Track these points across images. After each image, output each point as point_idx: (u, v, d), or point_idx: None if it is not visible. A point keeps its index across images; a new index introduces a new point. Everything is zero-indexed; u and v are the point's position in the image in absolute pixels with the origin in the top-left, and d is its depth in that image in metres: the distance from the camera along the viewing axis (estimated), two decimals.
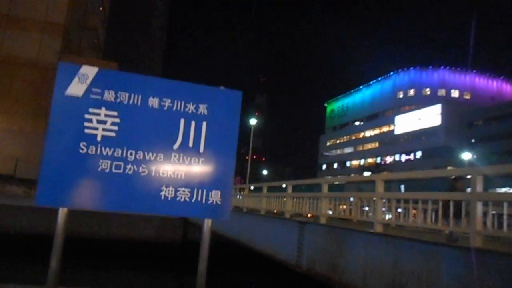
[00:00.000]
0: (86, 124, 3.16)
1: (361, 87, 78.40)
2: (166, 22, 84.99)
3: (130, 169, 3.20)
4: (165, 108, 3.35)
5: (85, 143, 3.14)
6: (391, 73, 70.96)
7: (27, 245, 14.19)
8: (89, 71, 3.22)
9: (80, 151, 3.12)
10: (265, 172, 77.15)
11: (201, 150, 3.38)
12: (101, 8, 36.26)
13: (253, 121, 29.80)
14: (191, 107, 3.41)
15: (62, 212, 3.09)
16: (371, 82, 75.90)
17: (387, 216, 7.83)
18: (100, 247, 15.74)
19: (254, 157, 68.76)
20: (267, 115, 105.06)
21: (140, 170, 3.22)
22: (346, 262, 7.66)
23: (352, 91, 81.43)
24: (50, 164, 3.06)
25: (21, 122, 24.13)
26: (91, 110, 3.19)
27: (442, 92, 65.36)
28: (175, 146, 3.33)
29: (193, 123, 3.39)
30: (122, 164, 3.19)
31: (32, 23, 25.37)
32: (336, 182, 24.34)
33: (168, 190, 3.27)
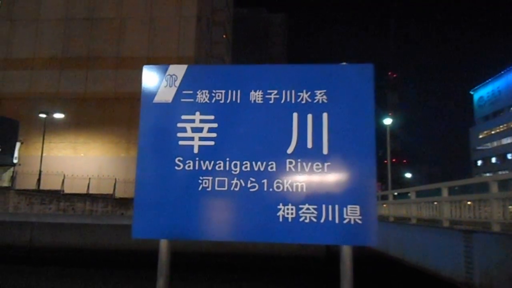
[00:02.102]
0: (180, 134, 2.57)
1: None
2: (286, 36, 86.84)
3: (236, 185, 2.48)
4: (271, 101, 2.56)
5: (181, 158, 2.54)
6: None
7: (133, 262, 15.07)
8: (177, 71, 2.65)
9: (176, 168, 2.53)
10: (408, 175, 71.32)
11: (325, 151, 2.47)
12: (224, 36, 38.57)
13: (387, 121, 27.45)
14: (304, 96, 2.54)
15: (163, 244, 2.52)
16: None
17: None
18: (243, 262, 15.86)
19: (394, 160, 64.21)
20: (403, 114, 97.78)
21: (249, 185, 2.48)
22: None
23: (503, 72, 70.22)
24: (144, 188, 2.54)
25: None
26: (184, 117, 2.59)
27: None
28: (290, 150, 2.49)
29: (309, 117, 2.52)
30: (225, 179, 2.49)
31: (167, 61, 28.11)
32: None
33: (287, 209, 2.43)
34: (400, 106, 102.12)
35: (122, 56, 30.06)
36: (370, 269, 13.40)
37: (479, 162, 73.33)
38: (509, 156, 65.75)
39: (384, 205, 16.41)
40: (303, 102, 2.54)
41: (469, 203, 8.84)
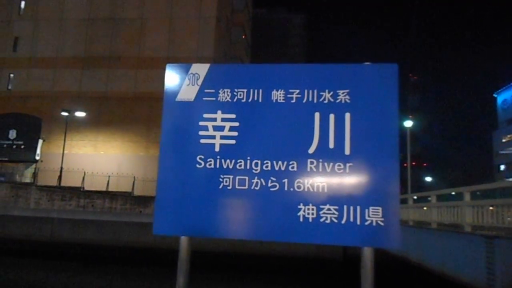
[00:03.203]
0: (201, 133, 2.58)
1: None
2: (306, 37, 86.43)
3: (256, 184, 2.47)
4: (293, 101, 2.54)
5: (202, 156, 2.55)
6: None
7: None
8: (200, 70, 2.66)
9: (198, 166, 2.54)
10: (428, 179, 70.04)
11: (347, 151, 2.44)
12: (243, 36, 38.66)
13: (408, 124, 27.05)
14: (327, 96, 2.52)
15: (184, 241, 2.54)
16: None
17: None
18: (260, 263, 15.83)
19: (414, 163, 63.15)
20: (423, 116, 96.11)
21: (269, 184, 2.47)
22: None
23: None
24: (165, 185, 2.56)
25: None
26: (205, 115, 2.60)
27: None
28: (311, 150, 2.47)
29: (331, 117, 2.49)
30: (246, 178, 2.49)
31: (186, 61, 28.35)
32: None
33: (308, 209, 2.41)
34: (420, 108, 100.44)
35: (142, 56, 30.49)
36: (388, 273, 13.22)
37: (502, 167, 71.46)
38: None
39: (404, 209, 16.17)
40: (326, 102, 2.51)
41: (491, 208, 8.65)
